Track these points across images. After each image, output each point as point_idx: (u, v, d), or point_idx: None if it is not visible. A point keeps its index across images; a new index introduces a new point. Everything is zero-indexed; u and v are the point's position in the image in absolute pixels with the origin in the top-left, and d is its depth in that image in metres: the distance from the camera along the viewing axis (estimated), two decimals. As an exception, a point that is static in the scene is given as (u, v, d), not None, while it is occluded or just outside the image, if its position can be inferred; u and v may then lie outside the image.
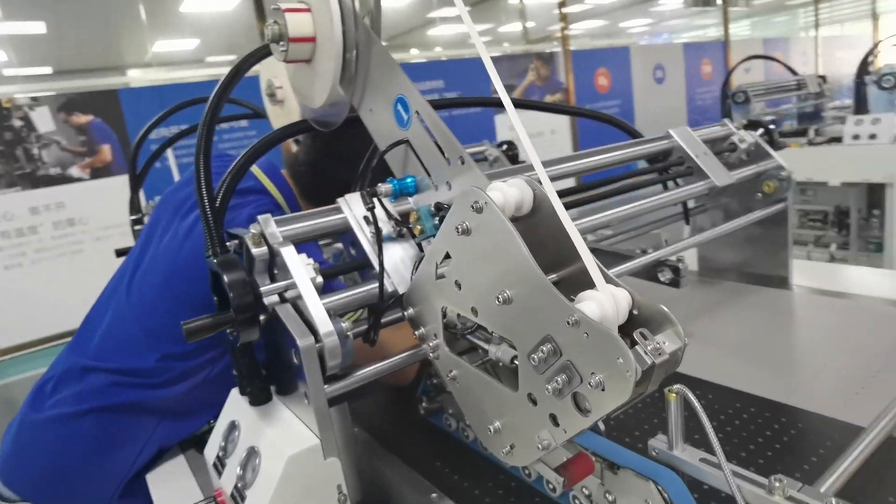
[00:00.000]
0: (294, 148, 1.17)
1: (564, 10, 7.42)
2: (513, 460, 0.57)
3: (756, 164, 1.24)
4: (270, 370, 0.75)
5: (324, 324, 0.64)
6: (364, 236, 0.75)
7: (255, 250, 0.69)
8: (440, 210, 0.65)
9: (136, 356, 0.93)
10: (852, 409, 0.83)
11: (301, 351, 0.63)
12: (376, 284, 0.72)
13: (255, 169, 1.03)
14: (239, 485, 0.68)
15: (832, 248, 3.52)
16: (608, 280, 0.49)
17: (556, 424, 0.51)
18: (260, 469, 0.66)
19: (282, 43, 0.78)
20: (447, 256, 0.58)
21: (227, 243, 0.74)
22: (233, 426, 0.76)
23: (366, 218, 0.76)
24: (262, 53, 0.91)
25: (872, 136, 3.13)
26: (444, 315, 0.62)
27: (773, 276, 1.32)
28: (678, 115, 8.62)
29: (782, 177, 1.23)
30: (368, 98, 0.75)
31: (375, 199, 0.70)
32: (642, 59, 8.34)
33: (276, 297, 0.68)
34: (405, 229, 0.74)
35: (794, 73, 4.34)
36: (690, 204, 1.24)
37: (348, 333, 0.65)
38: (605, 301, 0.46)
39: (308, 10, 0.78)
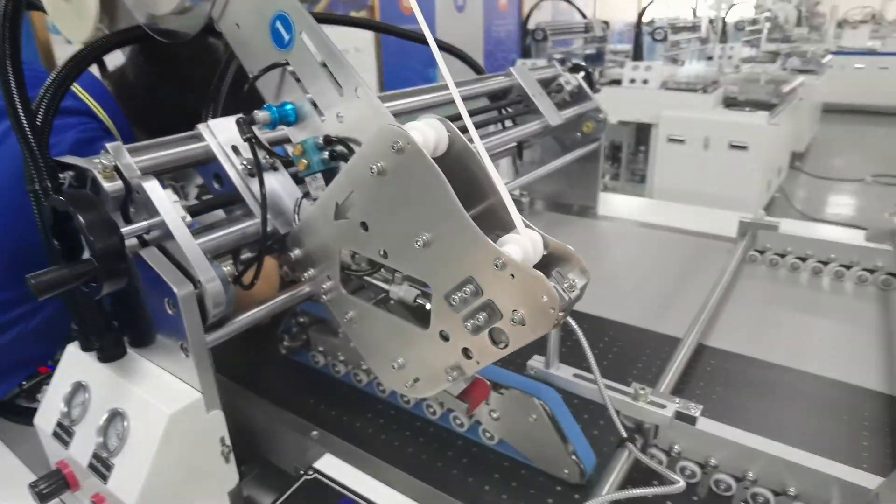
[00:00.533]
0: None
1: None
2: (416, 392, 0.59)
3: (578, 106, 1.36)
4: (119, 321, 0.66)
5: (204, 269, 0.57)
6: (233, 168, 0.67)
7: (107, 185, 0.58)
8: (329, 144, 0.61)
9: None
10: (664, 322, 1.00)
11: (179, 299, 0.56)
12: (250, 223, 0.67)
13: (74, 86, 0.85)
14: (101, 454, 0.60)
15: (605, 179, 4.06)
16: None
17: (469, 357, 0.53)
18: (129, 432, 0.59)
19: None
20: (350, 196, 0.55)
21: (60, 175, 0.61)
22: (78, 388, 0.66)
23: (234, 147, 0.68)
24: None
25: (645, 81, 3.60)
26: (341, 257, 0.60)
27: (583, 207, 1.50)
28: (476, 44, 8.91)
29: (600, 119, 1.38)
30: (233, 9, 0.66)
31: (254, 129, 0.63)
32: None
33: (134, 241, 0.59)
34: (278, 161, 0.69)
35: (583, 16, 4.75)
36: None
37: (230, 279, 0.60)
38: (527, 244, 0.49)
39: None
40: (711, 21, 4.68)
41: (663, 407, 0.63)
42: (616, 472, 0.62)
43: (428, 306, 0.59)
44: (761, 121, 3.27)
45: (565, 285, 0.49)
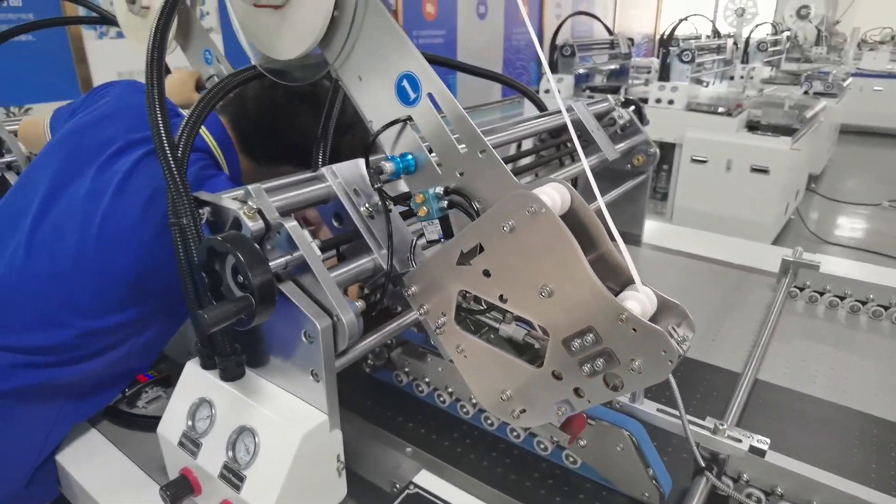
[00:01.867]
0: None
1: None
2: (522, 422, 0.66)
3: (630, 139, 1.43)
4: (241, 344, 0.73)
5: (340, 303, 0.64)
6: (353, 209, 0.74)
7: (252, 225, 0.65)
8: (448, 195, 0.67)
9: (46, 332, 0.79)
10: (714, 353, 1.06)
11: (320, 332, 0.62)
12: (367, 259, 0.73)
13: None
14: (232, 465, 0.67)
15: (627, 194, 4.11)
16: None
17: (580, 396, 0.60)
18: (260, 448, 0.66)
19: (250, -19, 0.70)
20: (479, 249, 0.62)
21: (200, 210, 0.68)
22: (202, 403, 0.73)
23: (355, 190, 0.75)
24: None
25: (671, 102, 3.66)
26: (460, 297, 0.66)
27: (628, 234, 1.56)
28: (496, 52, 9.00)
29: (650, 153, 1.44)
30: (358, 64, 0.72)
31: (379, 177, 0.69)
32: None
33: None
34: (392, 204, 0.75)
35: (610, 32, 4.81)
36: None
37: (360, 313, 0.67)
38: (645, 300, 0.55)
39: None
40: (735, 43, 4.73)
41: (739, 441, 0.69)
42: (696, 497, 0.68)
43: (536, 345, 0.66)
44: (784, 146, 3.33)
45: (679, 339, 0.56)
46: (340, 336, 0.65)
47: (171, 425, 0.74)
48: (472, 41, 8.20)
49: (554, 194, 0.58)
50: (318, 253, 0.66)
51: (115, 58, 4.47)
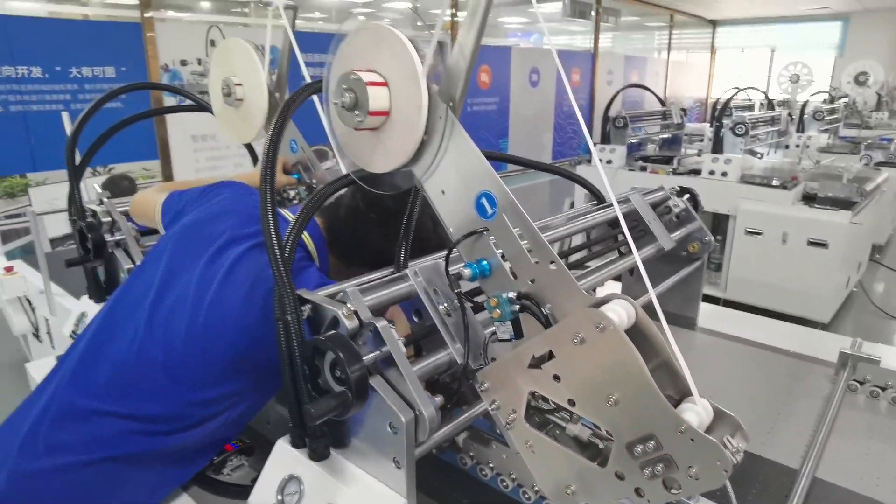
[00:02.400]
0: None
1: (457, -5, 7.58)
2: (586, 517, 0.71)
3: (685, 227, 1.48)
4: (329, 427, 0.81)
5: (423, 399, 0.72)
6: (433, 307, 0.83)
7: (349, 324, 0.74)
8: (520, 299, 0.75)
9: (156, 402, 0.90)
10: (770, 447, 1.08)
11: (404, 424, 0.70)
12: (444, 353, 0.81)
13: (292, 217, 1.04)
14: (321, 539, 0.74)
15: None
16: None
17: (640, 496, 0.65)
18: (349, 525, 0.73)
19: (357, 112, 0.81)
20: (549, 356, 0.69)
21: (303, 308, 0.78)
22: (291, 479, 0.81)
23: (434, 290, 0.84)
24: (313, 90, 0.94)
25: (724, 174, 3.69)
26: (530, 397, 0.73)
27: (683, 318, 1.60)
28: (547, 117, 9.23)
29: (705, 241, 1.49)
30: (442, 180, 0.82)
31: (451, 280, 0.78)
32: (521, 60, 8.78)
33: (362, 368, 0.74)
34: (464, 305, 0.83)
35: (662, 103, 4.92)
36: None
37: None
38: (702, 412, 0.61)
39: (386, 84, 0.82)
40: (790, 113, 4.75)
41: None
42: None
43: (600, 445, 0.71)
44: (843, 219, 3.29)
45: (733, 450, 0.61)
46: (421, 428, 0.72)
47: (262, 497, 0.83)
48: (523, 108, 8.46)
49: (621, 311, 0.65)
50: (404, 350, 0.74)
51: (188, 124, 4.89)
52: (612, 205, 1.36)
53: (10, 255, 4.15)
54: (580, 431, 0.72)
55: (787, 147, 4.96)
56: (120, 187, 4.93)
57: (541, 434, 0.73)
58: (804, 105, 5.21)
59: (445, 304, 0.82)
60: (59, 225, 4.43)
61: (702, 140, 5.26)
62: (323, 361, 0.73)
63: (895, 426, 1.17)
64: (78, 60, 4.31)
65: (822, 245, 3.34)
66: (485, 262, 0.80)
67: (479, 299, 0.83)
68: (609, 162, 4.29)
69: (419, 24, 1.49)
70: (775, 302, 3.50)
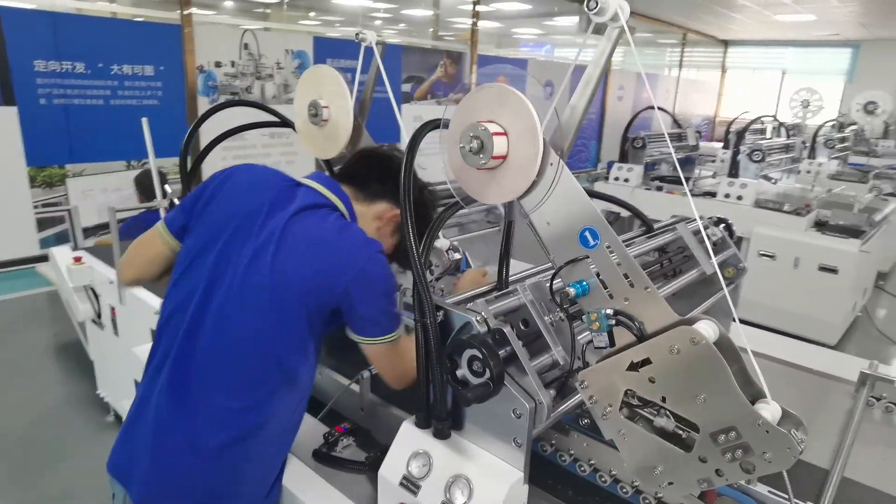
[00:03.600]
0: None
1: (478, 7, 7.79)
2: (669, 493, 0.88)
3: (723, 254, 1.66)
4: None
5: (542, 391, 0.89)
6: (539, 317, 1.00)
7: (482, 329, 0.92)
8: (616, 315, 0.93)
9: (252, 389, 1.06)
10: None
11: (528, 412, 0.88)
12: (547, 356, 0.99)
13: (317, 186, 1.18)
14: (450, 501, 0.91)
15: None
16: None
17: (720, 475, 0.82)
18: (474, 492, 0.90)
19: (482, 155, 0.98)
20: (646, 362, 0.86)
21: (438, 313, 0.95)
22: (418, 454, 0.98)
23: (540, 304, 1.01)
24: (432, 128, 1.12)
25: (739, 198, 3.87)
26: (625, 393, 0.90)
27: (716, 333, 1.77)
28: (560, 130, 9.39)
29: (740, 267, 1.67)
30: (548, 214, 0.99)
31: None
32: (537, 73, 8.97)
33: (489, 365, 0.92)
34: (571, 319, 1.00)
35: (678, 125, 5.11)
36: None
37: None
38: (775, 410, 0.78)
39: (506, 134, 1.00)
40: (804, 141, 4.94)
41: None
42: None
43: (683, 435, 0.89)
44: (853, 248, 3.47)
45: (798, 440, 0.78)
46: (539, 415, 0.90)
47: (392, 469, 1.00)
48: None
49: (709, 329, 0.83)
50: (524, 350, 0.91)
51: (223, 121, 5.06)
52: (659, 232, 1.53)
53: (45, 243, 4.32)
54: (666, 423, 0.89)
55: (798, 172, 5.14)
56: (152, 181, 5.12)
57: (633, 424, 0.90)
58: (816, 132, 5.40)
59: (550, 317, 1.00)
60: (91, 215, 4.63)
61: (713, 161, 5.45)
62: (461, 357, 0.90)
63: (906, 437, 1.35)
64: (119, 58, 4.49)
65: (833, 271, 3.52)
66: (584, 283, 0.97)
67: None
68: (626, 181, 4.48)
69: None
70: (785, 323, 3.67)
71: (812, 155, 5.29)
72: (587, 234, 0.96)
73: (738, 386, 0.79)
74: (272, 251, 1.05)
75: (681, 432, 0.89)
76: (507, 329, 0.92)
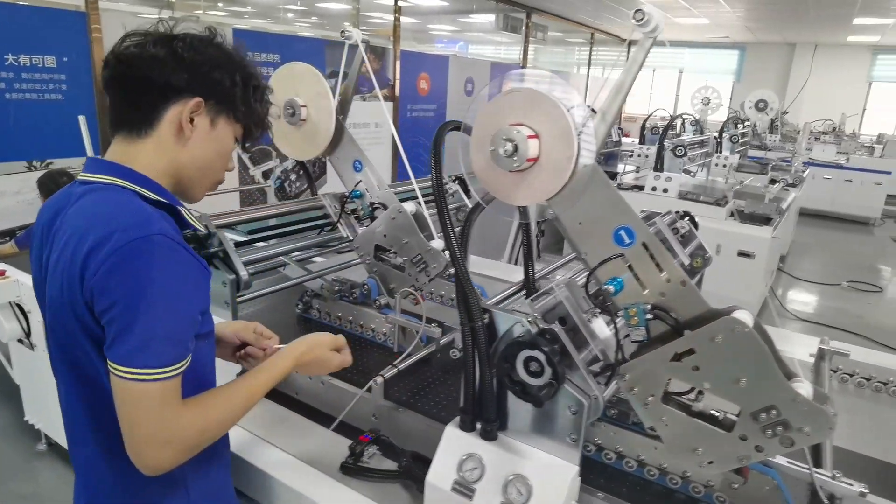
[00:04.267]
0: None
1: (401, 3, 7.78)
2: (710, 470, 0.95)
3: (690, 245, 1.78)
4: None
5: (596, 388, 0.94)
6: (577, 315, 1.04)
7: (533, 329, 0.94)
8: (654, 310, 0.99)
9: None
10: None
11: (585, 408, 0.92)
12: (586, 352, 1.03)
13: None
14: (510, 501, 0.94)
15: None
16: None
17: (759, 451, 0.90)
18: (533, 490, 0.93)
19: (515, 157, 1.00)
20: (690, 351, 0.92)
21: (484, 316, 0.97)
22: (469, 457, 0.99)
23: (577, 303, 1.05)
24: (453, 128, 1.13)
25: (665, 190, 4.13)
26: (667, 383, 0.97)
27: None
28: (479, 126, 9.58)
29: (706, 257, 1.80)
30: (580, 214, 1.03)
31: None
32: (458, 70, 9.07)
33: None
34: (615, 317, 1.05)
35: (603, 123, 5.36)
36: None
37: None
38: (809, 388, 0.87)
39: (538, 136, 1.02)
40: (716, 137, 5.34)
41: (852, 485, 1.00)
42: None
43: (720, 417, 0.96)
44: (767, 234, 3.81)
45: (831, 414, 0.87)
46: (593, 411, 0.94)
47: (441, 476, 1.01)
48: (459, 115, 8.73)
49: (748, 318, 0.90)
50: (574, 348, 0.95)
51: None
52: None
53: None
54: (704, 408, 0.97)
55: (710, 166, 5.55)
56: (58, 184, 4.70)
57: (675, 410, 0.97)
58: (721, 128, 5.85)
59: (586, 314, 1.04)
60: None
61: (632, 156, 5.77)
62: (515, 359, 0.93)
63: (861, 402, 1.52)
64: (14, 47, 4.11)
65: (749, 256, 3.84)
66: (619, 280, 1.03)
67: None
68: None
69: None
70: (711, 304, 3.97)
71: (719, 150, 5.73)
72: (622, 233, 1.01)
73: (779, 369, 0.87)
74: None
75: (718, 415, 0.97)
76: (556, 327, 0.95)
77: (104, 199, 0.89)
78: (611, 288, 1.00)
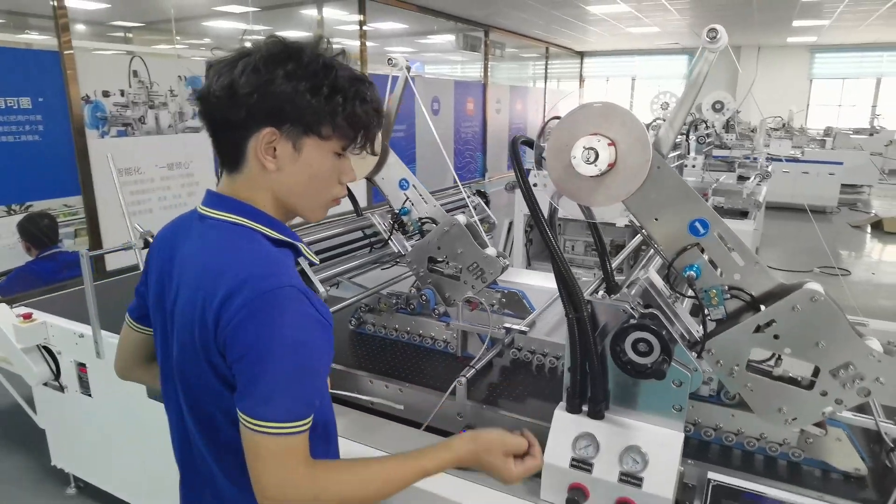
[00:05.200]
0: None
1: (366, 27, 7.93)
2: (793, 426, 1.09)
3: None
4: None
5: (697, 362, 1.06)
6: (663, 301, 1.17)
7: (636, 314, 1.07)
8: (731, 290, 1.12)
9: None
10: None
11: (690, 379, 1.04)
12: (674, 331, 1.16)
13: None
14: (628, 472, 1.05)
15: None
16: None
17: (839, 403, 1.04)
18: (650, 457, 1.04)
19: (597, 163, 1.13)
20: (771, 322, 1.06)
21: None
22: (581, 436, 1.10)
23: (658, 290, 1.18)
24: (523, 141, 1.25)
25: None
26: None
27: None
28: (448, 144, 9.81)
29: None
30: (655, 210, 1.16)
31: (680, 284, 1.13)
32: (424, 90, 9.26)
33: (641, 344, 1.07)
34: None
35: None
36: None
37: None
38: (877, 343, 1.01)
39: (614, 144, 1.14)
40: (686, 139, 5.62)
41: (908, 429, 1.15)
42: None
43: (797, 378, 1.09)
44: (749, 227, 4.05)
45: (900, 365, 1.02)
46: (695, 382, 1.06)
47: (558, 455, 1.11)
48: (427, 134, 8.95)
49: (820, 287, 1.04)
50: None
51: (115, 156, 4.80)
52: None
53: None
54: (783, 372, 1.10)
55: (684, 167, 5.82)
56: (39, 226, 4.62)
57: (758, 376, 1.10)
58: (688, 131, 6.15)
59: (669, 297, 1.17)
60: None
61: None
62: (623, 343, 1.05)
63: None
64: (-11, 90, 4.10)
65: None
66: (696, 266, 1.16)
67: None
68: (545, 185, 4.81)
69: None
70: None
71: (687, 151, 6.02)
72: (697, 224, 1.14)
73: (854, 330, 1.01)
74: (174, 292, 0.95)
75: (796, 377, 1.10)
76: (657, 311, 1.08)
77: (232, 241, 0.90)
78: (693, 274, 1.13)
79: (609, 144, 1.12)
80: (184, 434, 1.00)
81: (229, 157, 0.93)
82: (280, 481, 0.82)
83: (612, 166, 1.13)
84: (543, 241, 1.13)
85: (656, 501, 1.03)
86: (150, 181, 5.31)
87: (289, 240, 0.95)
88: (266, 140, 0.88)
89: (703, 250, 1.13)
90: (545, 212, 1.26)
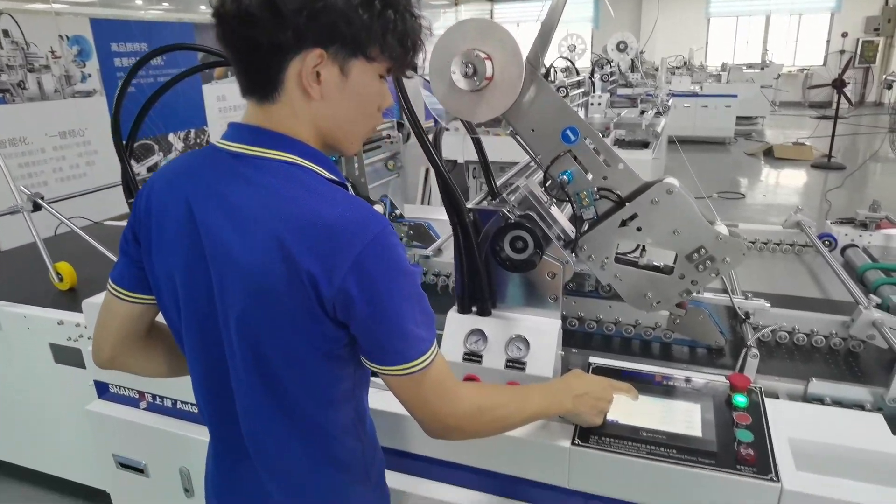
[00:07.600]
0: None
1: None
2: (657, 309, 1.21)
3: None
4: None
5: (569, 255, 1.16)
6: (540, 205, 1.25)
7: (512, 217, 1.14)
8: (600, 190, 1.21)
9: None
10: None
11: (562, 271, 1.14)
12: (551, 232, 1.25)
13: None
14: (513, 358, 1.14)
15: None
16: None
17: (695, 284, 1.17)
18: (531, 344, 1.14)
19: (475, 78, 1.17)
20: (634, 216, 1.16)
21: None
22: (472, 332, 1.19)
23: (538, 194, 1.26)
24: None
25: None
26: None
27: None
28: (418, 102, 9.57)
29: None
30: (531, 121, 1.23)
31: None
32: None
33: (520, 245, 1.16)
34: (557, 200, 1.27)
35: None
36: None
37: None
38: (723, 227, 1.14)
39: (490, 58, 1.19)
40: (591, 78, 5.79)
41: (759, 300, 1.31)
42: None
43: (660, 265, 1.22)
44: (648, 157, 4.27)
45: (745, 242, 1.15)
46: (568, 273, 1.16)
47: (452, 352, 1.19)
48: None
49: (675, 181, 1.15)
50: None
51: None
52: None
53: None
54: (647, 262, 1.22)
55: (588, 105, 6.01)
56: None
57: (625, 267, 1.21)
58: (592, 71, 6.34)
59: (545, 204, 1.25)
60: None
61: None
62: (503, 241, 1.12)
63: (751, 257, 1.88)
64: None
65: (636, 177, 4.29)
66: (569, 171, 1.24)
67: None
68: (457, 129, 4.86)
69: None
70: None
71: (593, 89, 6.21)
72: (568, 132, 1.21)
73: (703, 217, 1.13)
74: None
75: (658, 264, 1.22)
76: (532, 213, 1.16)
77: (304, 185, 0.80)
78: (565, 178, 1.22)
79: (486, 58, 1.16)
80: (227, 395, 0.88)
81: (260, 84, 0.81)
82: (449, 405, 0.85)
83: (489, 80, 1.17)
84: (426, 155, 1.17)
85: (539, 381, 1.14)
86: (40, 151, 4.92)
87: (340, 181, 0.85)
88: (312, 64, 0.78)
89: (575, 158, 1.22)
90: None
